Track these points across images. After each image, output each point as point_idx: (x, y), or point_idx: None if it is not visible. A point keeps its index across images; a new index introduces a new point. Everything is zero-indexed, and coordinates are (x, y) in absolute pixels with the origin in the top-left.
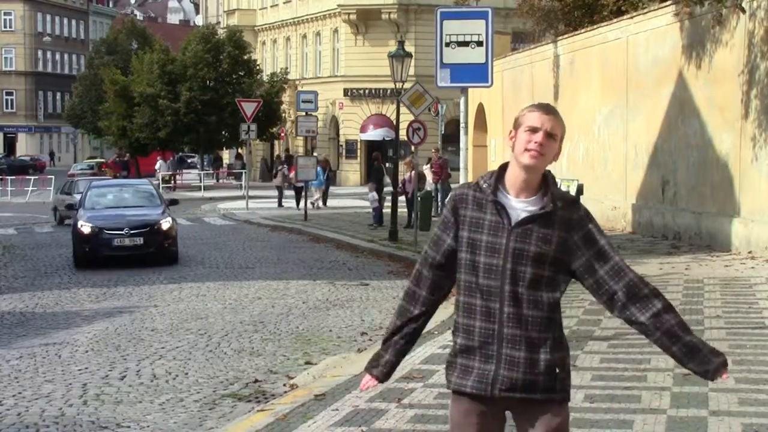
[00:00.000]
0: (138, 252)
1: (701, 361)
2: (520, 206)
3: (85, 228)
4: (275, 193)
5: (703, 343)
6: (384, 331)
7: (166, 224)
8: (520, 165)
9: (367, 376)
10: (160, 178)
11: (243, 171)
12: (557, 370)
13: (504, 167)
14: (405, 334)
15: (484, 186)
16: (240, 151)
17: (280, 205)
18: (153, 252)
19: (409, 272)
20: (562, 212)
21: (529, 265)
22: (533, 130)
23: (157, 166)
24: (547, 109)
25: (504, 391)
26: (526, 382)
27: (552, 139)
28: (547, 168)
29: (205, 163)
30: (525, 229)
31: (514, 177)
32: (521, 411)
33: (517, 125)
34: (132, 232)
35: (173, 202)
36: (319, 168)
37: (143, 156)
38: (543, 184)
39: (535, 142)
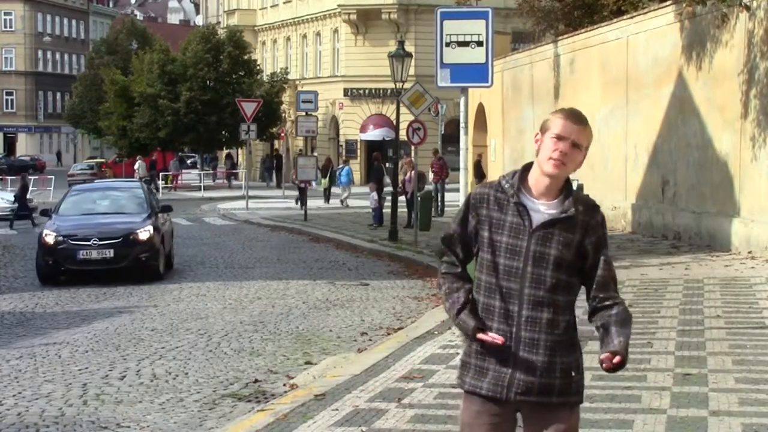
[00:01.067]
0: (107, 267)
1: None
2: (542, 209)
3: (49, 237)
4: (275, 192)
5: (620, 337)
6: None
7: (144, 233)
8: (542, 171)
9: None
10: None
11: (233, 171)
12: (573, 373)
13: (526, 167)
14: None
15: (506, 186)
16: (232, 150)
17: (297, 203)
18: (126, 267)
19: (409, 272)
20: (583, 216)
21: (550, 269)
22: (560, 138)
23: (135, 167)
24: (577, 119)
25: (520, 394)
26: (543, 386)
27: (577, 149)
28: None
29: (205, 163)
30: (546, 233)
31: (536, 180)
32: (533, 413)
33: (544, 129)
34: (100, 242)
35: (166, 208)
36: (347, 167)
37: (143, 156)
38: (565, 187)
39: (560, 152)
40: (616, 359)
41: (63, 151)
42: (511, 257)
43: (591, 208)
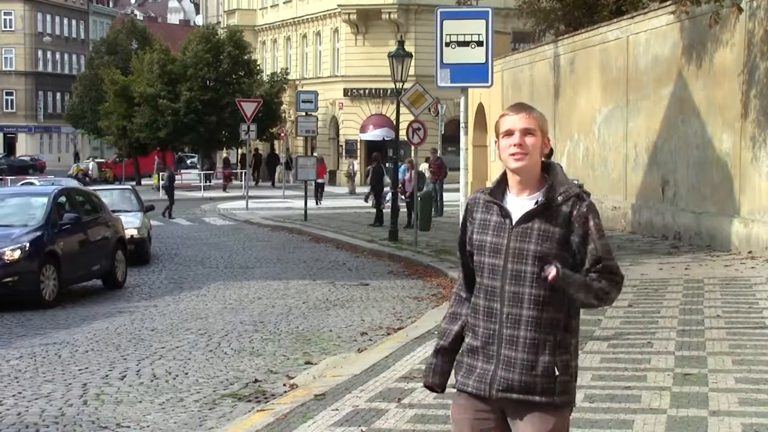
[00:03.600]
0: None
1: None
2: (520, 204)
3: None
4: (275, 192)
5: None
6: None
7: (14, 252)
8: (509, 169)
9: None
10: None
11: (210, 172)
12: (557, 373)
13: None
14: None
15: (491, 188)
16: (226, 151)
17: (367, 200)
18: None
19: (410, 272)
20: (564, 207)
21: (530, 264)
22: (509, 134)
23: (89, 168)
24: (517, 108)
25: (501, 391)
26: (523, 384)
27: (530, 134)
28: (554, 161)
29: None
30: (524, 228)
31: (511, 179)
32: (516, 411)
33: (496, 132)
34: None
35: (75, 219)
36: (404, 165)
37: (143, 156)
38: (544, 178)
39: (513, 145)
40: (552, 271)
41: (63, 151)
42: (493, 255)
43: (574, 197)
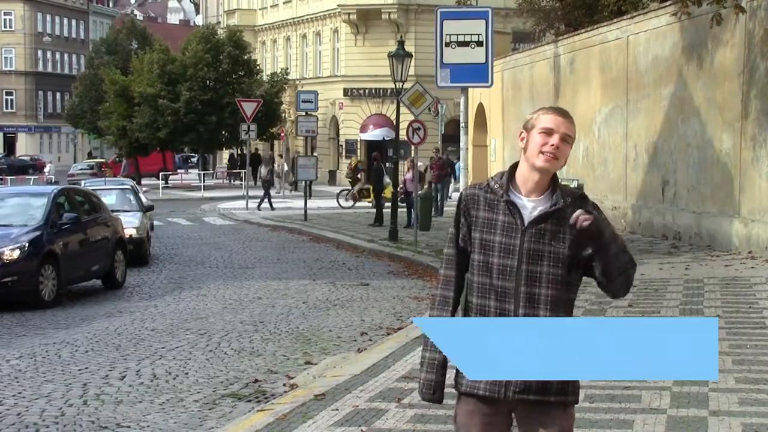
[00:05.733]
0: None
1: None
2: (532, 206)
3: None
4: (275, 193)
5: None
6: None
7: (13, 252)
8: (533, 167)
9: None
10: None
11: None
12: None
13: (514, 167)
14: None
15: (495, 187)
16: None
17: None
18: None
19: (410, 272)
20: (573, 209)
21: (545, 265)
22: (548, 133)
23: (46, 170)
24: (563, 113)
25: (518, 393)
26: (540, 384)
27: (567, 142)
28: None
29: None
30: (539, 229)
31: (525, 178)
32: (527, 412)
33: (529, 127)
34: None
35: (73, 219)
36: (458, 163)
37: (143, 156)
38: (551, 182)
39: (551, 145)
40: (586, 216)
41: (63, 151)
42: (505, 256)
43: (579, 198)
